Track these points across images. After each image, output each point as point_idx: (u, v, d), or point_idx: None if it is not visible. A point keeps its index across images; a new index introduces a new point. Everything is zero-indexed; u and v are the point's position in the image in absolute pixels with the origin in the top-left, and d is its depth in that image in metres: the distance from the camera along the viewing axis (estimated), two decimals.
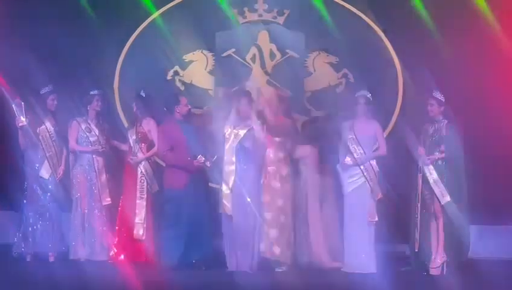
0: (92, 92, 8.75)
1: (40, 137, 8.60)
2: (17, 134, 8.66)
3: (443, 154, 8.08)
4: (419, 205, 8.15)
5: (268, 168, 8.26)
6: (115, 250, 8.55)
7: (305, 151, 8.54)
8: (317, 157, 8.53)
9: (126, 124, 9.36)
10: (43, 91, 8.71)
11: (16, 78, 8.89)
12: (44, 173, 8.61)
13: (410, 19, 9.41)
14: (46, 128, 8.62)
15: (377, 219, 8.17)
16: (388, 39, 9.67)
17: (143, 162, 8.57)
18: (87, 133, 8.69)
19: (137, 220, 8.49)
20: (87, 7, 9.52)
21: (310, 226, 8.45)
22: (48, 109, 8.71)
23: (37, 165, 8.61)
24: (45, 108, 8.69)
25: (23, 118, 8.52)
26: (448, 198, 8.01)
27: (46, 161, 8.60)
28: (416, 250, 8.15)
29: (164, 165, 8.45)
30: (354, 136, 8.24)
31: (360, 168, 8.19)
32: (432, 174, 8.08)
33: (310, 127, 9.00)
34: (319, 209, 8.49)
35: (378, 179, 8.22)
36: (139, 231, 8.47)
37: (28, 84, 8.81)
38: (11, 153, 8.85)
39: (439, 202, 8.06)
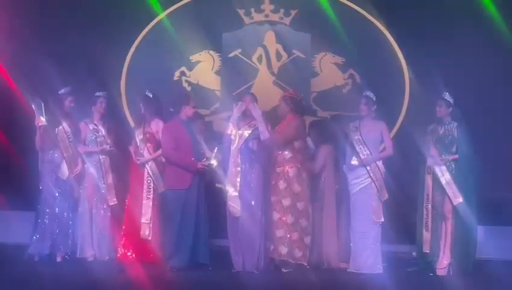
0: (96, 94, 8.78)
1: (58, 137, 8.61)
2: (34, 134, 8.66)
3: (456, 156, 8.08)
4: (429, 206, 8.14)
5: (277, 169, 8.26)
6: (122, 250, 8.57)
7: (325, 152, 8.53)
8: (333, 157, 8.51)
9: (133, 124, 9.37)
10: (61, 92, 8.72)
11: (32, 78, 8.92)
12: (63, 173, 8.62)
13: (417, 19, 9.41)
14: (64, 129, 8.63)
15: (383, 219, 8.16)
16: (394, 39, 9.67)
17: (150, 163, 8.57)
18: (96, 134, 8.72)
19: (143, 220, 8.48)
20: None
21: (324, 226, 8.45)
22: (65, 109, 8.72)
23: (54, 165, 8.62)
24: (62, 109, 8.70)
25: (42, 118, 8.52)
26: (460, 199, 8.00)
27: (64, 162, 8.61)
28: (428, 251, 8.14)
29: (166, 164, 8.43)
30: (360, 137, 8.24)
31: (366, 169, 8.19)
32: (444, 175, 8.07)
33: (321, 127, 8.95)
34: (336, 211, 8.49)
35: (385, 179, 8.22)
36: (145, 231, 8.47)
37: (44, 85, 8.83)
38: (27, 153, 8.86)
39: (451, 203, 8.05)
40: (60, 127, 8.61)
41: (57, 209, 8.60)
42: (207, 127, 9.03)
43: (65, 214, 8.60)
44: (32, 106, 8.56)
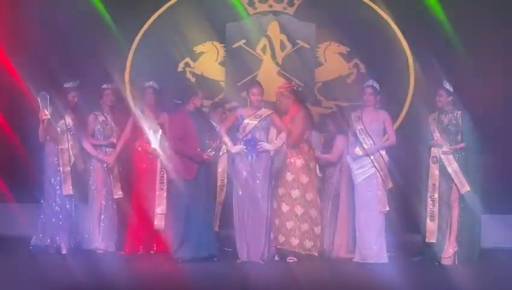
0: (103, 86, 8.79)
1: (59, 130, 8.62)
2: (37, 127, 8.65)
3: (462, 144, 8.07)
4: (435, 196, 8.12)
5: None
6: (130, 241, 8.59)
7: (342, 142, 8.50)
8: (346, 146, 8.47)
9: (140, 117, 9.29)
10: (66, 85, 8.72)
11: (36, 71, 8.93)
12: (62, 166, 8.62)
13: (421, 9, 9.38)
14: (65, 123, 8.64)
15: (388, 208, 8.16)
16: (399, 29, 9.64)
17: (162, 154, 8.57)
18: (104, 127, 8.74)
19: (158, 211, 8.50)
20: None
21: (339, 217, 8.46)
22: (68, 104, 8.72)
23: (56, 158, 8.63)
24: (65, 102, 8.70)
25: (47, 111, 8.54)
26: (468, 188, 8.02)
27: (63, 155, 8.61)
28: (434, 240, 8.12)
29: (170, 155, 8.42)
30: (363, 127, 8.23)
31: (370, 159, 8.18)
32: (451, 164, 8.07)
33: (337, 117, 8.87)
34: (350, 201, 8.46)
35: (389, 168, 8.21)
36: (161, 222, 8.49)
37: (49, 77, 8.83)
38: (31, 146, 8.88)
39: (458, 191, 8.04)
40: (62, 120, 8.62)
41: (59, 201, 8.60)
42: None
43: (67, 206, 8.61)
44: (38, 98, 8.57)
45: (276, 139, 8.18)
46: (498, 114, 9.17)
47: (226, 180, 8.24)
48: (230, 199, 8.25)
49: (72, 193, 8.59)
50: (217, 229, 8.40)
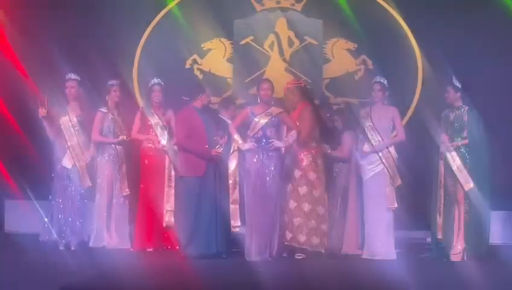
0: (109, 82, 8.79)
1: (62, 127, 8.65)
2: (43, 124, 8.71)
3: (466, 141, 8.05)
4: (442, 192, 8.11)
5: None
6: (138, 238, 8.61)
7: (351, 138, 8.49)
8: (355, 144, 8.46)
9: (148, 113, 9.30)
10: (67, 77, 8.74)
11: (39, 68, 8.94)
12: (67, 162, 8.66)
13: (429, 4, 9.36)
14: (69, 119, 8.66)
15: (396, 205, 8.16)
16: (407, 24, 9.62)
17: (171, 150, 8.60)
18: (114, 124, 8.74)
19: (168, 207, 8.52)
20: None
21: (348, 213, 8.46)
22: (67, 97, 8.73)
23: (61, 155, 8.67)
24: (66, 96, 8.72)
25: (44, 109, 8.57)
26: (472, 184, 7.98)
27: (68, 151, 8.65)
28: (440, 237, 8.12)
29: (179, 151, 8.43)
30: (371, 124, 8.23)
31: (379, 155, 8.17)
32: (455, 161, 8.05)
33: (345, 113, 8.84)
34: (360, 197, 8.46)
35: (397, 165, 8.20)
36: (171, 219, 8.51)
37: (51, 74, 8.84)
38: (40, 143, 8.92)
39: (463, 188, 8.03)
40: (66, 116, 8.64)
41: (66, 197, 8.64)
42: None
43: (76, 202, 8.64)
44: (36, 97, 8.60)
45: (286, 136, 8.18)
46: (507, 110, 9.14)
47: (238, 178, 8.16)
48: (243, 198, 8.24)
49: (91, 184, 8.62)
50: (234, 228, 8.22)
